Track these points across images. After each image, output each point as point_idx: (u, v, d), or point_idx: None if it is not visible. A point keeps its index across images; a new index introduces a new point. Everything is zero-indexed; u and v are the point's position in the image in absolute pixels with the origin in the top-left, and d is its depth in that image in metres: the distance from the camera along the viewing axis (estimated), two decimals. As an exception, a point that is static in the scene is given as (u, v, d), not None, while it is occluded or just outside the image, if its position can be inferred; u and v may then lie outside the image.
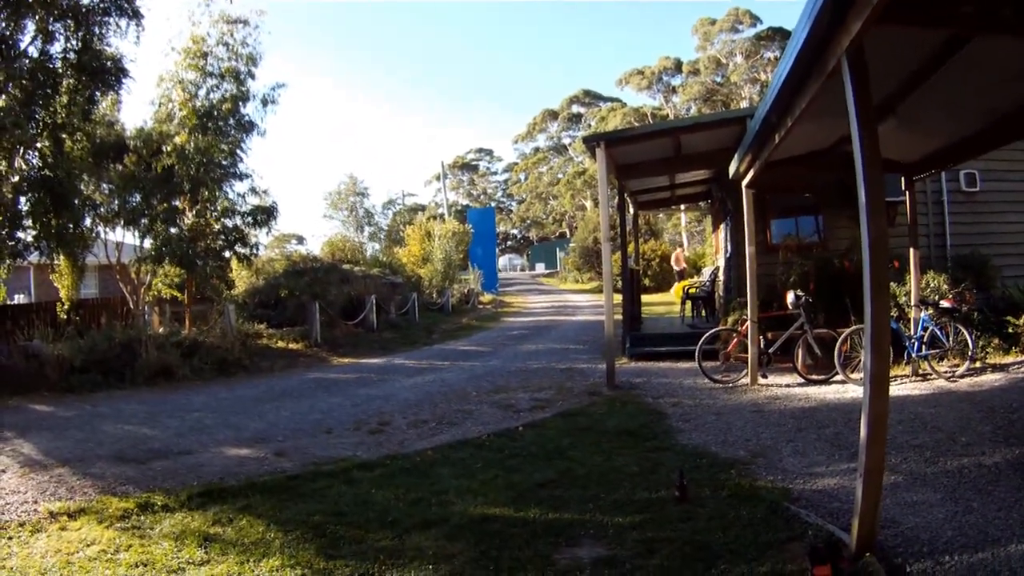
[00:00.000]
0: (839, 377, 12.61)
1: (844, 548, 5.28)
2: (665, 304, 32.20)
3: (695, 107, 66.63)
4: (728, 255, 19.54)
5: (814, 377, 12.93)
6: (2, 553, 6.69)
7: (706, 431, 9.76)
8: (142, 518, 7.42)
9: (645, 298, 27.18)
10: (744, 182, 12.69)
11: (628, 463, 8.27)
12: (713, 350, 14.16)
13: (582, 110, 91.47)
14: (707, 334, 14.17)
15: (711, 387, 13.02)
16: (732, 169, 12.74)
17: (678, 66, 71.44)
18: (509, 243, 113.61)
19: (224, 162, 22.89)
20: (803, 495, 6.84)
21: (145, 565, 6.15)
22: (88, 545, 6.71)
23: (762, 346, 13.35)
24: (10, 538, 7.06)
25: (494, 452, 9.34)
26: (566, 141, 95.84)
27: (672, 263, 37.54)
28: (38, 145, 18.18)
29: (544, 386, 14.15)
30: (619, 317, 18.20)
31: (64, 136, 18.69)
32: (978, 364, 12.96)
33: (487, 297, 44.86)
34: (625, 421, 10.53)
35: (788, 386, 12.75)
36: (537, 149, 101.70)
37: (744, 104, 58.53)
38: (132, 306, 23.79)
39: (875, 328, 5.16)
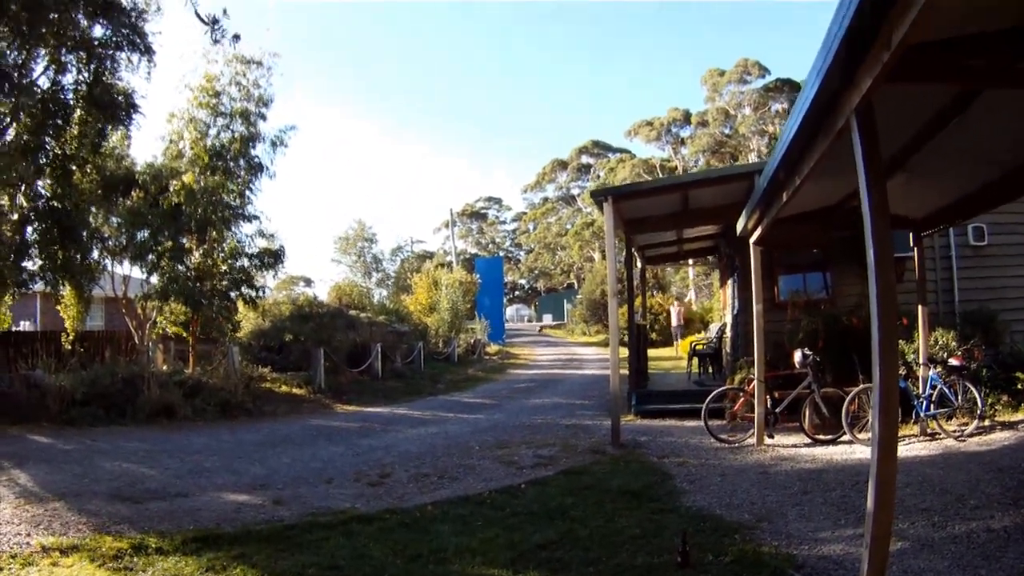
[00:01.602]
0: (846, 437, 12.44)
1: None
2: (672, 359, 32.12)
3: (703, 159, 66.79)
4: (735, 311, 19.48)
5: (821, 437, 12.78)
6: None
7: (711, 493, 9.64)
8: (135, 559, 7.38)
9: (652, 352, 27.10)
10: (752, 239, 12.64)
11: (631, 525, 8.15)
12: (720, 408, 14.10)
13: (591, 160, 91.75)
14: (713, 393, 14.08)
15: (717, 447, 12.89)
16: (740, 226, 12.69)
17: (687, 117, 71.69)
18: (517, 293, 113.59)
19: (233, 203, 23.03)
20: (808, 562, 6.70)
21: None
22: None
23: (769, 405, 13.25)
24: (0, 569, 7.01)
25: (495, 510, 9.23)
26: (575, 191, 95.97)
27: (673, 319, 36.94)
28: (43, 179, 18.24)
29: (548, 442, 14.04)
30: (625, 372, 18.11)
31: (74, 168, 18.82)
32: (987, 422, 12.82)
33: (493, 348, 44.80)
34: (629, 481, 10.40)
35: (795, 446, 12.63)
36: (546, 199, 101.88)
37: (752, 156, 58.71)
38: (137, 341, 23.78)
39: (884, 390, 5.09)
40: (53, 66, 16.85)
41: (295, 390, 22.61)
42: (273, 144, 23.82)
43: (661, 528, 7.97)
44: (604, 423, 15.42)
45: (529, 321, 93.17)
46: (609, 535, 7.83)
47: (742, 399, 13.82)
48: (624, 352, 18.80)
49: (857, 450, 11.86)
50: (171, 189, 21.89)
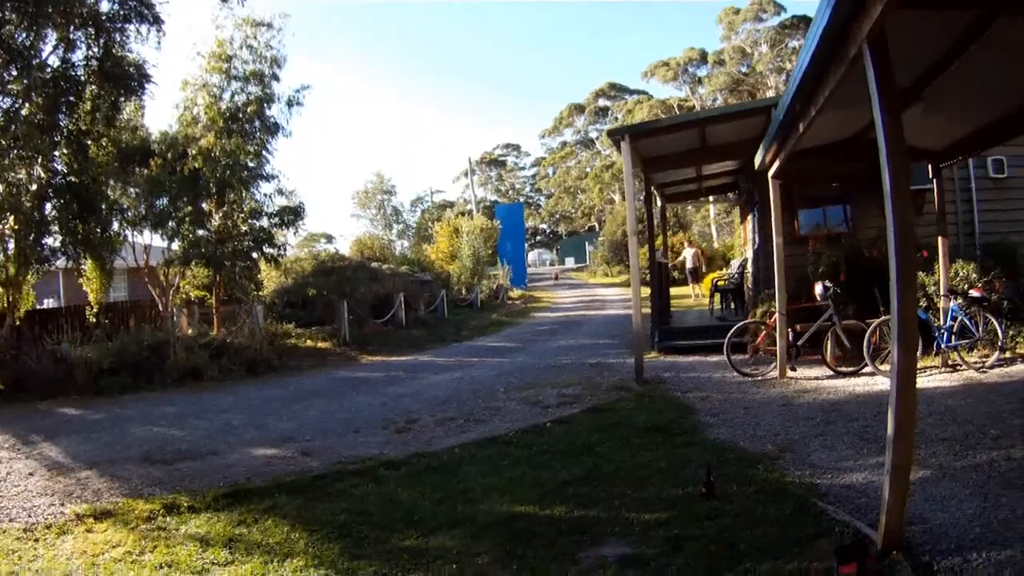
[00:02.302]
0: (868, 369, 12.42)
1: (871, 546, 5.21)
2: (694, 297, 32.09)
3: (721, 98, 66.28)
4: (756, 247, 19.41)
5: (843, 369, 12.78)
6: (29, 555, 6.78)
7: (734, 426, 9.69)
8: (168, 519, 7.48)
9: (674, 291, 27.03)
10: (770, 173, 12.57)
11: (656, 459, 8.22)
12: (742, 343, 14.08)
13: (608, 103, 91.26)
14: (735, 327, 14.08)
15: (740, 380, 12.92)
16: (758, 160, 12.63)
17: (703, 57, 71.10)
18: (538, 238, 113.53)
19: (250, 164, 22.95)
20: (831, 491, 6.76)
21: (170, 566, 6.22)
22: (113, 547, 6.79)
23: (791, 338, 13.24)
24: (36, 540, 7.16)
25: (522, 449, 9.32)
26: (593, 135, 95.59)
27: (688, 262, 36.33)
28: (60, 152, 18.26)
29: (573, 382, 14.08)
30: (648, 311, 18.11)
31: (89, 142, 18.81)
32: (1008, 354, 12.76)
33: (516, 293, 44.84)
34: (653, 416, 10.46)
35: (817, 379, 12.63)
36: (564, 143, 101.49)
37: (770, 94, 58.14)
38: (161, 308, 23.88)
39: (902, 321, 5.09)
40: (62, 44, 16.80)
41: (320, 344, 22.79)
42: (288, 104, 23.75)
43: (686, 461, 8.04)
44: (628, 361, 15.50)
45: (551, 265, 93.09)
46: (635, 469, 7.91)
47: (764, 332, 13.79)
48: (646, 291, 18.78)
49: (879, 381, 11.84)
50: (189, 155, 21.90)
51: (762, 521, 6.06)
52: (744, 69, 66.85)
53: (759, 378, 12.97)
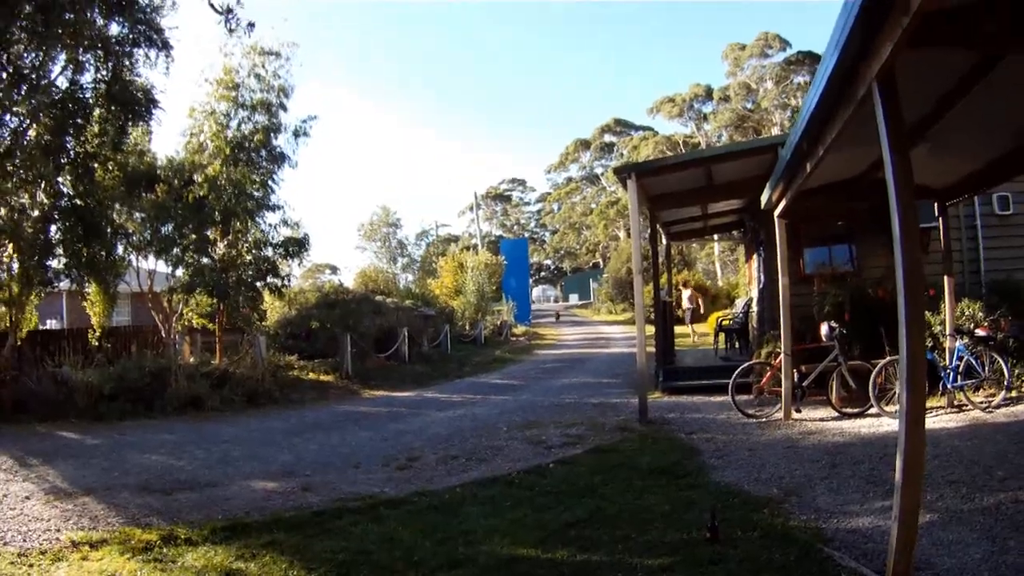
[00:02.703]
0: (874, 410, 12.32)
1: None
2: (698, 336, 32.03)
3: (726, 134, 66.51)
4: (761, 286, 19.40)
5: (848, 410, 12.70)
6: None
7: (739, 468, 9.62)
8: (165, 550, 7.40)
9: (677, 329, 27.02)
10: (776, 212, 12.56)
11: (660, 502, 8.15)
12: (747, 383, 14.03)
13: (614, 139, 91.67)
14: (740, 368, 14.00)
15: (744, 422, 12.85)
16: (764, 199, 12.62)
17: (709, 93, 71.43)
18: (543, 274, 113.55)
19: (256, 193, 23.00)
20: (837, 536, 6.69)
21: None
22: None
23: (796, 379, 13.19)
24: (31, 565, 7.10)
25: (524, 490, 9.25)
26: (599, 171, 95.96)
27: (684, 302, 36.71)
28: (66, 175, 18.29)
29: (576, 421, 14.04)
30: (652, 349, 18.05)
31: (95, 165, 18.83)
32: (1014, 393, 12.61)
33: (520, 329, 44.80)
34: (657, 458, 10.39)
35: (822, 420, 12.57)
36: (570, 179, 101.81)
37: (775, 130, 58.43)
38: (163, 335, 23.89)
39: (911, 362, 5.05)
40: (71, 65, 16.84)
41: (322, 377, 22.73)
42: (295, 134, 23.82)
43: (690, 504, 7.96)
44: (631, 401, 15.43)
45: (556, 301, 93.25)
46: (638, 512, 7.82)
47: (769, 373, 13.75)
48: (650, 329, 18.72)
49: (884, 422, 11.79)
50: (195, 182, 21.95)
51: (767, 567, 5.99)
52: (749, 105, 67.07)
53: (764, 419, 12.88)
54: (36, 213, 18.40)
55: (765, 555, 6.24)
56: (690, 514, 7.58)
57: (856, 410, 12.65)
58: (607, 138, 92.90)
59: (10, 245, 18.24)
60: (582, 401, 16.82)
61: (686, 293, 35.60)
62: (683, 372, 18.32)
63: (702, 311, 37.40)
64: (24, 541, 7.83)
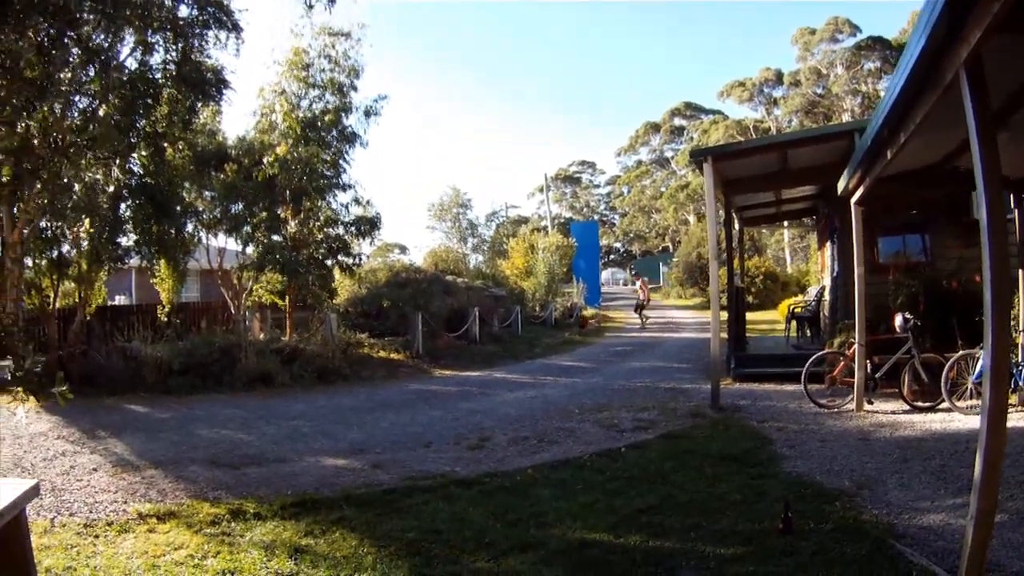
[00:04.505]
0: (945, 405, 12.12)
1: (949, 592, 5.10)
2: (768, 323, 31.69)
3: (797, 120, 65.69)
4: (835, 274, 19.14)
5: (920, 404, 12.50)
6: (87, 551, 6.80)
7: (811, 459, 9.51)
8: (233, 525, 7.50)
9: (748, 316, 26.74)
10: (853, 199, 12.35)
11: (731, 490, 8.09)
12: (819, 373, 13.86)
13: (684, 123, 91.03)
14: (813, 357, 13.83)
15: (816, 412, 12.72)
16: (841, 185, 12.42)
17: (779, 77, 70.57)
18: (612, 257, 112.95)
19: (327, 172, 23.18)
20: (908, 532, 6.60)
21: (233, 573, 6.22)
22: (176, 549, 6.80)
23: (869, 370, 13.03)
24: (96, 536, 7.19)
25: (595, 473, 9.23)
26: (668, 154, 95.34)
27: (641, 295, 37.91)
28: (137, 153, 18.47)
29: (647, 406, 13.96)
30: (724, 336, 17.95)
31: (165, 145, 19.11)
32: (1090, 392, 12.42)
33: (590, 312, 44.54)
34: (729, 446, 10.32)
35: (894, 413, 12.37)
36: (640, 162, 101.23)
37: (846, 116, 57.69)
38: (233, 311, 24.12)
39: (996, 357, 4.93)
40: (140, 47, 16.95)
41: (393, 355, 22.86)
42: (366, 114, 23.95)
43: (762, 494, 7.91)
44: (702, 387, 15.42)
45: (625, 284, 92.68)
46: (710, 500, 7.78)
47: (842, 363, 13.53)
48: (723, 315, 18.59)
49: (956, 418, 11.60)
50: (265, 161, 22.13)
51: (839, 561, 5.93)
52: (819, 90, 66.13)
53: (836, 410, 12.74)
54: (111, 189, 18.65)
55: (837, 549, 6.18)
56: (762, 504, 7.54)
57: (927, 404, 12.44)
58: (677, 122, 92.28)
59: (87, 221, 18.52)
60: (653, 386, 16.73)
61: (639, 285, 36.29)
62: (755, 359, 18.18)
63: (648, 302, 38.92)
64: (91, 512, 7.95)
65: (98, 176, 18.12)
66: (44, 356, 14.18)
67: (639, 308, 39.32)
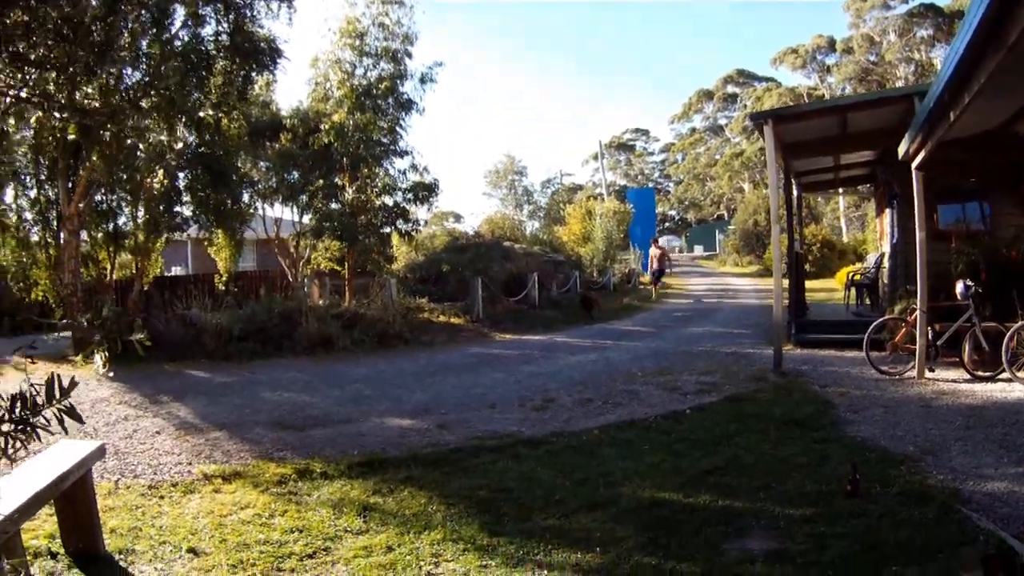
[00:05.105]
0: (1006, 375, 11.88)
1: (1016, 557, 5.10)
2: (826, 291, 31.41)
3: (850, 87, 64.46)
4: (894, 241, 18.95)
5: (980, 373, 12.29)
6: (152, 511, 6.97)
7: (874, 424, 9.46)
8: (299, 484, 7.66)
9: (806, 284, 26.51)
10: (914, 163, 12.23)
11: (796, 453, 8.12)
12: (880, 340, 13.77)
13: (737, 90, 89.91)
14: (874, 323, 13.74)
15: (877, 378, 12.56)
16: (902, 149, 12.28)
17: (831, 45, 69.35)
18: (667, 224, 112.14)
19: (384, 139, 23.33)
20: (973, 497, 6.57)
21: (300, 531, 6.35)
22: (242, 508, 6.96)
23: (930, 338, 12.94)
24: (161, 497, 7.37)
25: (661, 435, 9.28)
26: (722, 122, 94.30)
27: (653, 263, 37.22)
28: (191, 127, 18.65)
29: (710, 369, 13.94)
30: (785, 302, 17.86)
31: (220, 115, 19.29)
32: None
33: (647, 278, 44.43)
34: (792, 409, 10.31)
35: (955, 381, 12.20)
36: (694, 129, 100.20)
37: (899, 84, 56.63)
38: (291, 279, 24.39)
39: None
40: (191, 19, 16.97)
41: (452, 320, 23.02)
42: (421, 80, 24.05)
43: (826, 457, 7.92)
44: (764, 351, 15.39)
45: (681, 252, 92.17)
46: (775, 462, 7.82)
47: (903, 330, 13.39)
48: (784, 282, 18.47)
49: (1016, 388, 11.43)
50: (321, 130, 22.30)
51: (906, 523, 5.97)
52: (873, 58, 65.09)
53: (897, 377, 12.61)
54: (169, 157, 18.93)
55: (904, 512, 6.21)
56: (827, 467, 7.57)
57: (988, 373, 12.23)
58: (730, 89, 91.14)
59: (160, 172, 18.80)
60: (714, 350, 16.65)
61: (654, 251, 35.61)
62: (815, 325, 18.03)
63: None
64: (155, 474, 8.13)
65: (162, 137, 18.32)
66: (120, 307, 14.45)
67: (655, 278, 36.90)
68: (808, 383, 12.35)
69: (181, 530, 6.43)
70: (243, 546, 6.08)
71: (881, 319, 14.17)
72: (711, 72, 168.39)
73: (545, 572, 5.46)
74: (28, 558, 5.12)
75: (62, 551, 5.95)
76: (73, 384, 3.20)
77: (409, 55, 23.74)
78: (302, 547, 6.03)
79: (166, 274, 27.12)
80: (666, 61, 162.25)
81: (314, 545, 6.06)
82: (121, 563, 5.88)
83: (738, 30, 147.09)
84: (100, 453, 6.28)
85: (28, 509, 4.82)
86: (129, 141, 16.62)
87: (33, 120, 14.87)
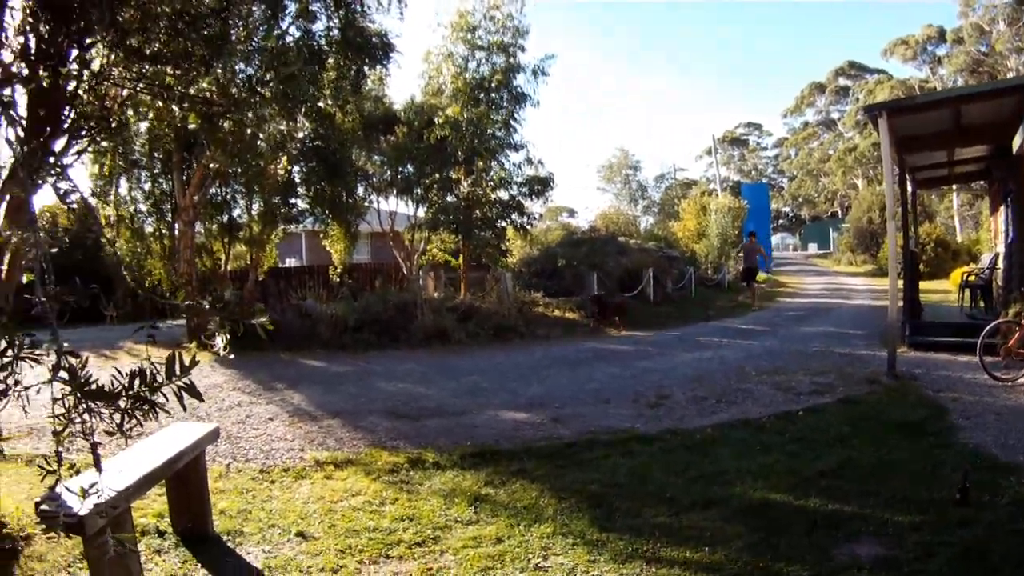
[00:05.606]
0: (1122, 385, 11.54)
1: None
2: (939, 292, 30.73)
3: (961, 79, 62.59)
4: (1009, 240, 18.55)
5: (1096, 382, 11.88)
6: (263, 495, 7.23)
7: (986, 431, 9.26)
8: (411, 473, 7.87)
9: (920, 284, 26.04)
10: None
11: (907, 458, 8.04)
12: (994, 344, 13.52)
13: (848, 83, 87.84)
14: (988, 327, 13.52)
15: (991, 384, 12.24)
16: (1016, 144, 12.02)
17: (941, 35, 67.33)
18: (780, 221, 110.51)
19: (498, 133, 23.50)
20: (1088, 512, 6.40)
21: (410, 520, 6.51)
22: (353, 495, 7.17)
23: (1045, 343, 12.63)
24: (272, 482, 7.65)
25: (774, 435, 9.30)
26: (834, 115, 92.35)
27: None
28: (307, 117, 18.92)
29: (823, 370, 13.80)
30: (899, 303, 17.59)
31: (334, 110, 19.63)
32: None
33: (762, 276, 43.88)
34: (905, 413, 10.17)
35: (1071, 389, 11.79)
36: (806, 124, 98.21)
37: (1011, 75, 55.13)
38: (405, 271, 24.68)
39: None
40: (302, 16, 17.23)
41: (567, 314, 22.95)
42: (534, 73, 24.14)
43: (938, 463, 7.82)
44: (877, 353, 15.12)
45: (794, 250, 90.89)
46: (886, 467, 7.76)
47: (1017, 334, 13.15)
48: (898, 281, 18.16)
49: None
50: (435, 123, 22.55)
51: (1017, 536, 5.89)
52: (983, 48, 63.24)
53: (1010, 383, 12.25)
54: (300, 135, 19.41)
55: (1013, 524, 6.12)
56: (938, 473, 7.48)
57: (1104, 382, 11.91)
58: (841, 81, 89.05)
59: (284, 158, 19.30)
60: (828, 351, 16.43)
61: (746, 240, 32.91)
62: (929, 327, 17.54)
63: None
64: (267, 459, 8.45)
65: (281, 127, 18.70)
66: (240, 291, 14.86)
67: (748, 277, 31.70)
68: (921, 387, 12.14)
69: (291, 514, 6.69)
70: (352, 532, 6.30)
71: (995, 323, 13.90)
72: (822, 63, 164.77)
73: (654, 569, 5.54)
74: (135, 535, 5.36)
75: (170, 530, 6.25)
76: (194, 362, 3.39)
77: (522, 48, 23.90)
78: (411, 535, 6.21)
79: (280, 265, 27.64)
80: (777, 53, 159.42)
81: (423, 534, 6.23)
82: (229, 544, 6.16)
83: (848, 20, 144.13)
84: (214, 436, 6.56)
85: (141, 487, 5.10)
86: (249, 131, 17.02)
87: (151, 112, 15.37)
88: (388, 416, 10.60)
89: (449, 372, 14.52)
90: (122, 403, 3.18)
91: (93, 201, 18.80)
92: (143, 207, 20.21)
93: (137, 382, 3.22)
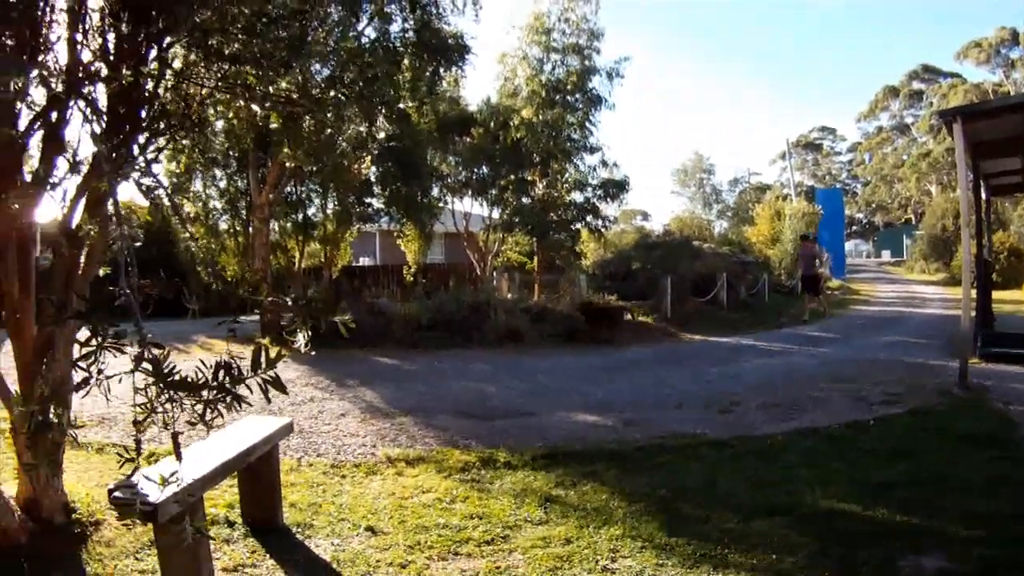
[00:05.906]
0: None
1: None
2: (1013, 302, 30.18)
3: (1035, 83, 61.97)
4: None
5: None
6: (333, 489, 7.28)
7: (1056, 446, 9.01)
8: (482, 472, 7.88)
9: (993, 294, 25.59)
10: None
11: (975, 472, 7.86)
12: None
13: (922, 86, 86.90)
14: (1059, 339, 13.21)
15: (1062, 398, 11.93)
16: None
17: (1015, 37, 66.45)
18: (854, 228, 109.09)
19: (573, 135, 23.58)
20: None
21: (480, 518, 6.52)
22: (424, 492, 7.19)
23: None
24: (343, 477, 7.70)
25: (843, 444, 9.15)
26: (908, 120, 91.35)
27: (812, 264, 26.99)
28: (383, 118, 19.02)
29: (894, 380, 13.53)
30: (972, 313, 17.33)
31: (410, 110, 19.79)
32: None
33: (835, 282, 43.35)
34: (976, 426, 9.93)
35: None
36: (880, 128, 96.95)
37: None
38: (479, 272, 24.76)
39: None
40: (377, 17, 17.38)
41: (641, 318, 22.96)
42: (609, 76, 24.27)
43: (1005, 477, 7.66)
44: (949, 364, 14.82)
45: (868, 257, 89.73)
46: (954, 480, 7.61)
47: (1089, 347, 12.86)
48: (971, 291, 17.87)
49: None
50: (510, 125, 22.63)
51: (1083, 555, 5.71)
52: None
53: (1084, 397, 11.96)
54: (381, 135, 19.38)
55: (1080, 541, 5.94)
56: (1005, 488, 7.32)
57: None
58: (915, 85, 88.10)
59: (368, 158, 19.48)
60: (899, 360, 16.19)
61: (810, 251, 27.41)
62: (1002, 338, 17.13)
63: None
64: (338, 454, 8.54)
65: (361, 128, 18.86)
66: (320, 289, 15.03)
67: (813, 286, 27.40)
68: (992, 400, 11.86)
69: (361, 509, 6.74)
70: (422, 528, 6.33)
71: (1066, 335, 13.59)
72: (896, 65, 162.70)
73: (721, 574, 5.52)
74: (206, 524, 5.45)
75: (239, 520, 6.35)
76: (280, 355, 3.48)
77: (597, 51, 24.07)
78: (481, 533, 6.23)
79: (354, 264, 27.89)
80: (850, 55, 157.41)
81: (493, 532, 6.25)
82: (298, 536, 6.23)
83: (922, 21, 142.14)
84: (288, 430, 6.64)
85: (215, 477, 5.20)
86: (328, 130, 17.20)
87: (230, 111, 15.57)
88: (460, 415, 10.65)
89: (521, 373, 14.56)
90: (205, 394, 3.24)
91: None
92: (218, 204, 20.61)
93: (222, 374, 3.28)
